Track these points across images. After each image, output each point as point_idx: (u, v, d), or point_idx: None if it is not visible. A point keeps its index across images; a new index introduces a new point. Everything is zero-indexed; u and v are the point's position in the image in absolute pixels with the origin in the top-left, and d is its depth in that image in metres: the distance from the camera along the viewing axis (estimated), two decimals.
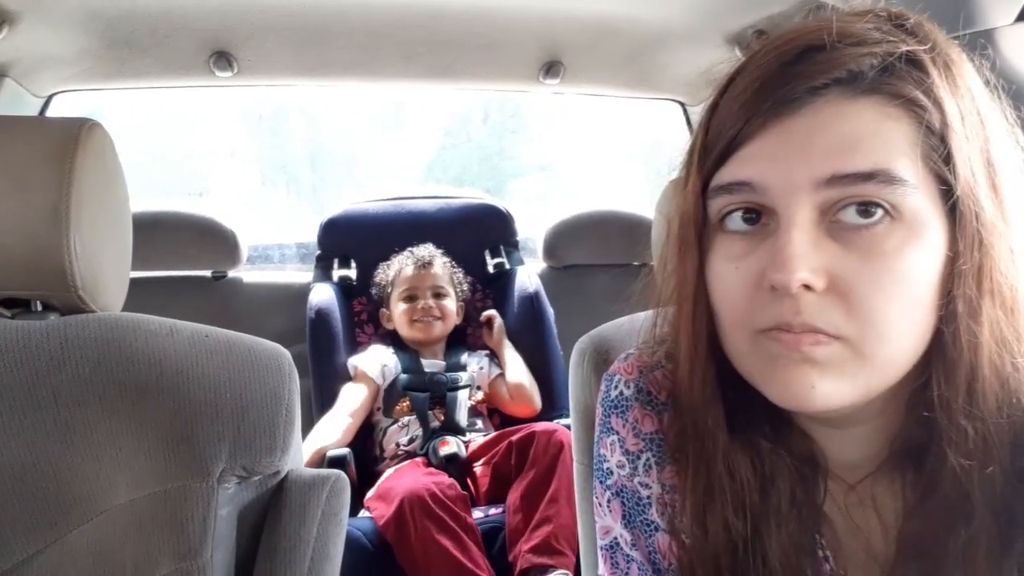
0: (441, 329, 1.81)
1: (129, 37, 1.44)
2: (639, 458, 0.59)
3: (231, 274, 1.95)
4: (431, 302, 1.79)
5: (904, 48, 0.43)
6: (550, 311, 1.90)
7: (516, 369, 1.79)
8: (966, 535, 0.44)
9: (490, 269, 1.99)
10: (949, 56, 0.45)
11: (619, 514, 0.61)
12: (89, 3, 1.31)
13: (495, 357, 1.86)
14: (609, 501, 0.61)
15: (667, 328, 0.57)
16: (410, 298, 1.80)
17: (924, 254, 0.43)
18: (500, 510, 1.51)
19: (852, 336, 0.43)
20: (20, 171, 0.68)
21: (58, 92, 1.60)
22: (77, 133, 0.71)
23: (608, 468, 0.61)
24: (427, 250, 1.86)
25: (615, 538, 0.61)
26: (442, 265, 1.85)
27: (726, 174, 0.46)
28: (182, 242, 1.85)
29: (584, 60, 1.69)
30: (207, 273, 1.93)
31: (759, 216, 0.46)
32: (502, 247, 2.01)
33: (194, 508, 0.68)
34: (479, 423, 1.75)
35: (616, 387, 0.62)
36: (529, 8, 1.46)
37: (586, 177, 3.80)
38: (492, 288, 1.99)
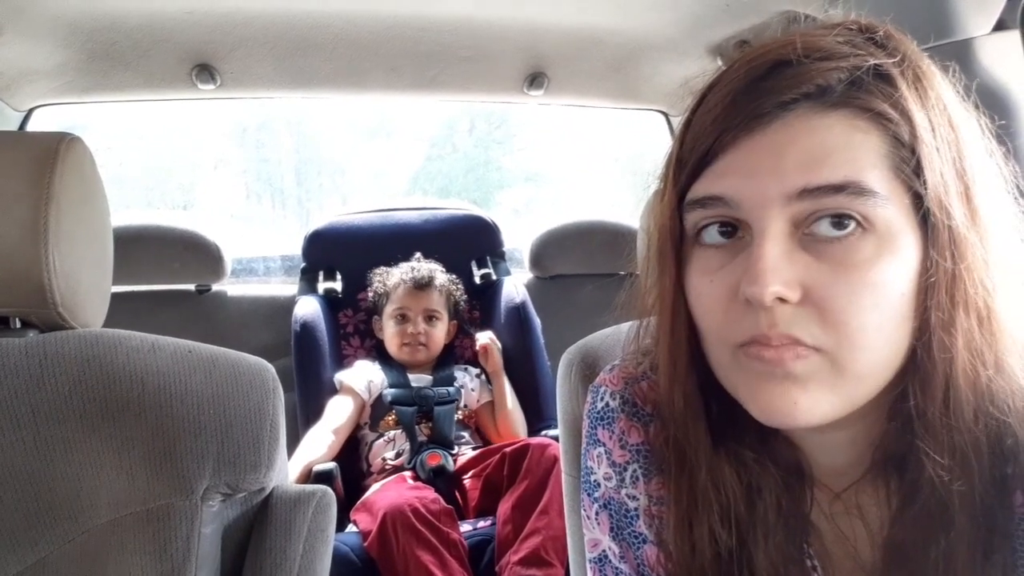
0: (426, 355, 1.80)
1: (110, 50, 1.43)
2: (626, 470, 0.59)
3: (215, 287, 1.94)
4: (421, 327, 1.78)
5: (872, 61, 0.44)
6: (537, 321, 1.89)
7: (506, 402, 1.78)
8: (946, 543, 0.44)
9: (477, 280, 1.98)
10: (919, 68, 0.45)
11: (607, 526, 0.61)
12: (69, 16, 1.30)
13: (484, 375, 1.84)
14: (597, 514, 0.61)
15: (650, 339, 0.57)
16: (402, 317, 1.79)
17: (898, 265, 0.43)
18: (489, 523, 1.50)
19: (829, 347, 0.43)
20: (1, 187, 0.68)
21: (38, 106, 1.59)
22: (57, 148, 0.70)
23: (595, 480, 0.61)
24: (428, 269, 1.84)
25: (603, 551, 0.61)
26: (440, 287, 1.83)
27: (700, 189, 0.47)
28: (165, 255, 1.84)
29: (568, 71, 1.70)
30: (191, 287, 1.92)
31: (734, 229, 0.47)
32: (488, 258, 2.01)
33: (178, 527, 0.68)
34: (466, 436, 1.74)
35: (602, 398, 0.62)
36: (513, 20, 1.47)
37: (572, 187, 3.82)
38: (479, 299, 1.99)
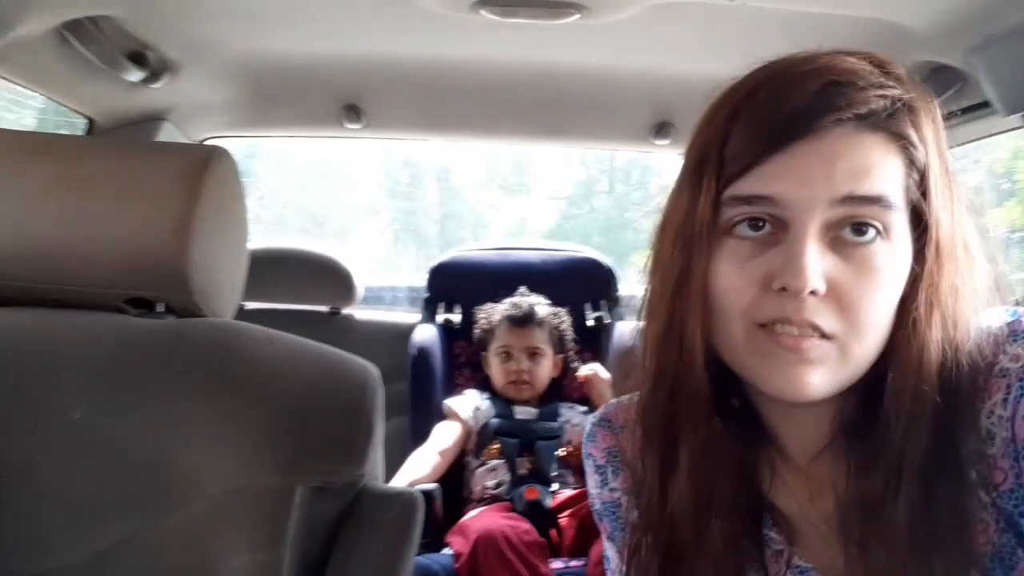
0: (530, 392, 1.82)
1: (272, 88, 1.59)
2: (607, 469, 0.67)
3: (345, 311, 2.06)
4: (524, 365, 1.80)
5: (909, 96, 0.51)
6: None
7: None
8: (904, 490, 0.50)
9: (589, 322, 1.99)
10: (933, 107, 0.53)
11: (607, 535, 0.68)
12: (240, 56, 1.47)
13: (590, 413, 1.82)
14: (603, 528, 0.68)
15: (651, 340, 0.60)
16: (506, 355, 1.82)
17: (901, 269, 0.51)
18: (582, 563, 1.48)
19: (840, 334, 0.50)
20: (157, 187, 0.78)
21: (210, 137, 1.77)
22: (208, 157, 0.80)
23: (593, 494, 0.69)
24: (528, 304, 1.85)
25: (611, 564, 0.68)
26: (541, 323, 1.84)
27: (748, 187, 0.52)
28: (303, 277, 1.98)
29: (695, 121, 1.69)
30: (324, 308, 2.06)
31: (764, 224, 0.52)
32: (603, 301, 2.01)
33: (274, 505, 0.72)
34: (568, 476, 1.73)
35: (589, 424, 0.71)
36: (640, 70, 1.51)
37: None
38: (590, 341, 1.98)
